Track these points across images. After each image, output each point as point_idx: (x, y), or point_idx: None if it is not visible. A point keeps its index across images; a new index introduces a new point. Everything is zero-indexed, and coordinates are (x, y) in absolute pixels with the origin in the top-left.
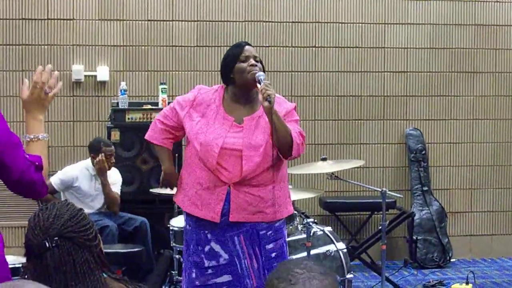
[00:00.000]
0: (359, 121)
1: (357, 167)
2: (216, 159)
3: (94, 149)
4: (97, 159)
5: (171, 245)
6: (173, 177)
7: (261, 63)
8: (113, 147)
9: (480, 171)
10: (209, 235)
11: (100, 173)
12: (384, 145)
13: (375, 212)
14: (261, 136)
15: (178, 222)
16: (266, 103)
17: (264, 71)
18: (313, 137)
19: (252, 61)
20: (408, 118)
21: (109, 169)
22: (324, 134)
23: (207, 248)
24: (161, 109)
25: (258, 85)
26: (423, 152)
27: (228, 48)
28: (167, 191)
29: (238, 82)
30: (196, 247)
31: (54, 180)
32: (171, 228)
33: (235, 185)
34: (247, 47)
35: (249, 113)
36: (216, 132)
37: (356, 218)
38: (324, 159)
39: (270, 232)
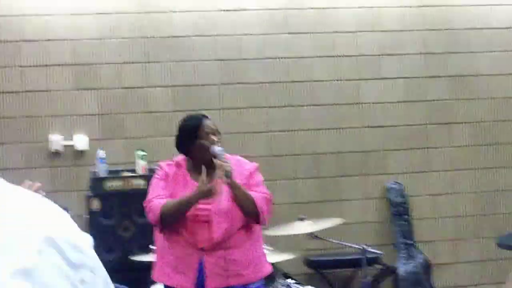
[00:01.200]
0: (339, 178)
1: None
2: (187, 225)
3: None
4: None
5: None
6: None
7: (218, 132)
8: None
9: (463, 221)
10: None
11: None
12: (366, 200)
13: (360, 268)
14: (229, 202)
15: None
16: (225, 179)
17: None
18: (294, 196)
19: (212, 138)
20: (388, 172)
21: None
22: (304, 192)
23: None
24: (141, 175)
25: (215, 160)
26: (405, 204)
27: (205, 111)
28: (149, 258)
29: (198, 158)
30: None
31: None
32: None
33: (208, 251)
34: (206, 122)
35: (212, 179)
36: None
37: (342, 275)
38: (301, 219)
39: None
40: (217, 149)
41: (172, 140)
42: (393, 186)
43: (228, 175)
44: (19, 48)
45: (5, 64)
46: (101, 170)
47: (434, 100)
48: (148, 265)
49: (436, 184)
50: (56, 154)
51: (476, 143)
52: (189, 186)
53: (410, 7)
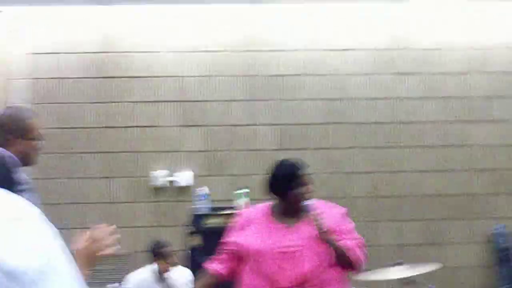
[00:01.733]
0: (444, 221)
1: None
2: (274, 261)
3: (151, 253)
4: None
5: None
6: None
7: (311, 182)
8: (169, 247)
9: None
10: None
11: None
12: (470, 244)
13: None
14: (316, 236)
15: None
16: (321, 234)
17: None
18: (396, 237)
19: (309, 188)
20: (495, 216)
21: (166, 270)
22: (407, 234)
23: None
24: None
25: (310, 214)
26: (510, 251)
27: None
28: None
29: (290, 202)
30: None
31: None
32: None
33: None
34: (301, 171)
35: (297, 220)
36: (269, 237)
37: None
38: (399, 263)
39: None
40: (309, 203)
41: None
42: (500, 230)
43: (323, 231)
44: (128, 85)
45: (114, 99)
46: (203, 206)
47: None
48: None
49: None
50: (159, 189)
51: None
52: (270, 222)
53: None
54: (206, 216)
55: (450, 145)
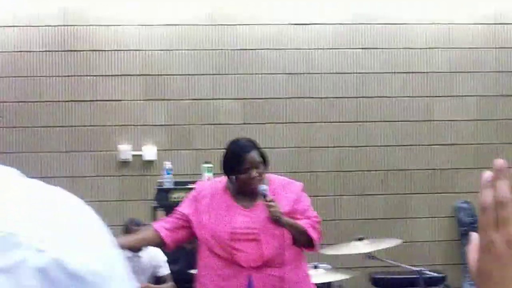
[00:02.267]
0: (407, 195)
1: (406, 242)
2: (229, 244)
3: (126, 228)
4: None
5: None
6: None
7: (264, 160)
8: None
9: None
10: None
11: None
12: (433, 219)
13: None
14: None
15: None
16: (275, 221)
17: (266, 163)
18: (360, 212)
19: (252, 174)
20: (458, 191)
21: (138, 249)
22: (371, 209)
23: None
24: None
25: (262, 199)
26: (474, 224)
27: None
28: None
29: (240, 187)
30: None
31: None
32: None
33: (257, 269)
34: (249, 156)
35: (255, 201)
36: (223, 219)
37: None
38: (360, 239)
39: None
40: (261, 188)
41: None
42: (463, 205)
43: (277, 218)
44: (90, 58)
45: (77, 73)
46: (167, 181)
47: (507, 119)
48: None
49: None
50: (124, 163)
51: None
52: (225, 202)
53: (484, 24)
54: (170, 190)
55: (414, 120)
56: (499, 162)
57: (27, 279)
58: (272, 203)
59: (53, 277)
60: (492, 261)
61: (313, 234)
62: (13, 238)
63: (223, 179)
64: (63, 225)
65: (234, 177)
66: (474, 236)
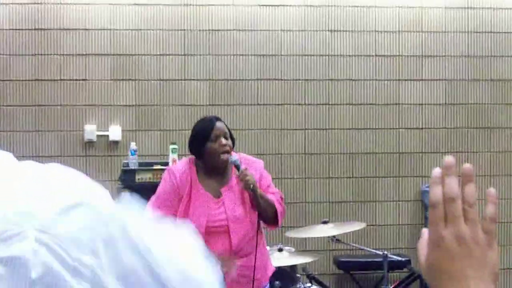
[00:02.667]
0: (374, 179)
1: (372, 225)
2: (204, 237)
3: None
4: None
5: None
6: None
7: (231, 137)
8: None
9: (504, 227)
10: None
11: None
12: (400, 202)
13: (391, 271)
14: (242, 207)
15: None
16: (249, 191)
17: (233, 143)
18: (326, 195)
19: (222, 141)
20: (424, 175)
21: None
22: (337, 192)
23: None
24: None
25: (236, 171)
26: None
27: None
28: None
29: (209, 162)
30: None
31: None
32: None
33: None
34: (217, 124)
35: (223, 184)
36: (198, 212)
37: (372, 277)
38: (325, 222)
39: None
40: (233, 159)
41: None
42: (429, 189)
43: (253, 189)
44: (58, 37)
45: (44, 52)
46: (132, 162)
47: (475, 104)
48: None
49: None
50: (90, 143)
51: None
52: (198, 191)
53: (454, 8)
54: (135, 171)
55: (381, 104)
56: (448, 159)
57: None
58: (246, 172)
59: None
60: (442, 256)
61: (279, 207)
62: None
63: (190, 163)
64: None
65: (199, 153)
66: (424, 232)
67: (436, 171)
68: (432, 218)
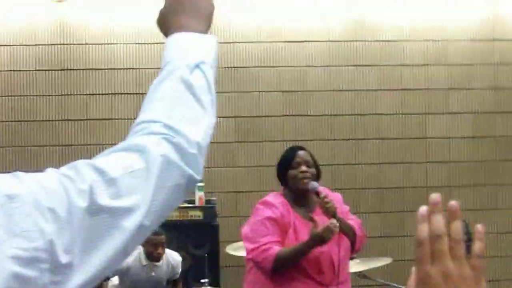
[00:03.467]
0: (401, 213)
1: (399, 260)
2: (312, 266)
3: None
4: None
5: None
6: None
7: (316, 166)
8: (163, 236)
9: None
10: None
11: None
12: None
13: None
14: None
15: None
16: (332, 220)
17: (319, 174)
18: None
19: (302, 168)
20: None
21: (157, 260)
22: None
23: None
24: (199, 207)
25: (315, 197)
26: (469, 242)
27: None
28: None
29: (292, 187)
30: None
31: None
32: None
33: (335, 286)
34: (299, 152)
35: (312, 210)
36: (303, 238)
37: None
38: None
39: None
40: (313, 186)
41: (232, 171)
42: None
43: (333, 214)
44: (84, 76)
45: (70, 92)
46: None
47: (502, 136)
48: None
49: (502, 222)
50: None
51: None
52: (297, 220)
53: (479, 40)
54: None
55: (408, 138)
56: (434, 197)
57: None
58: (327, 199)
59: None
60: None
61: (360, 232)
62: None
63: (280, 196)
64: None
65: (283, 179)
66: (413, 270)
67: (422, 209)
68: (419, 256)
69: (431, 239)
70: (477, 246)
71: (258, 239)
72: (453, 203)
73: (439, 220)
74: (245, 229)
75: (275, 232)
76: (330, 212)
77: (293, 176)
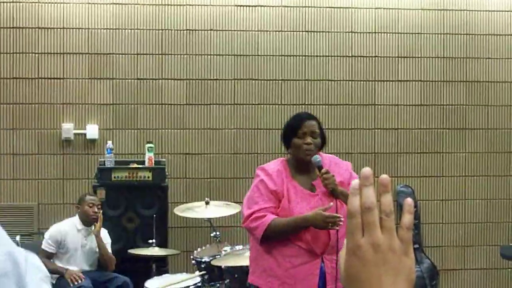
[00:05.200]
0: None
1: None
2: (310, 232)
3: (79, 200)
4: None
5: None
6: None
7: (322, 136)
8: (97, 198)
9: (473, 228)
10: None
11: (95, 232)
12: None
13: None
14: (334, 201)
15: (153, 283)
16: (331, 191)
17: (324, 142)
18: None
19: (307, 140)
20: (399, 175)
21: (94, 221)
22: None
23: None
24: (148, 168)
25: (317, 172)
26: (414, 209)
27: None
28: (147, 251)
29: (294, 156)
30: None
31: (45, 244)
32: None
33: (327, 255)
34: (307, 122)
35: (314, 179)
36: (300, 207)
37: None
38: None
39: None
40: (316, 159)
41: (182, 133)
42: (403, 189)
43: (332, 190)
44: (35, 35)
45: (21, 50)
46: (109, 160)
47: (449, 105)
48: (149, 258)
49: (447, 189)
50: (67, 142)
51: (490, 150)
52: (295, 187)
53: (430, 10)
54: (111, 170)
55: (356, 104)
56: (365, 170)
57: None
58: (326, 175)
59: None
60: (359, 264)
61: None
62: None
63: (282, 162)
64: None
65: (287, 144)
66: (345, 241)
67: (354, 182)
68: (350, 228)
69: (362, 212)
70: (406, 218)
71: (252, 206)
72: (384, 176)
73: (370, 193)
74: (249, 193)
75: (269, 198)
76: (329, 189)
77: (297, 146)
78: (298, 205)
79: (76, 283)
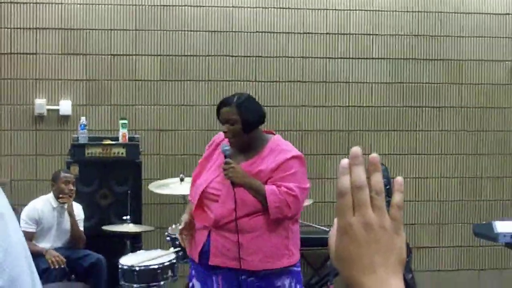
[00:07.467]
0: (324, 156)
1: (319, 202)
2: (197, 202)
3: (53, 177)
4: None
5: (120, 283)
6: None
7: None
8: (72, 175)
9: (447, 206)
10: (193, 272)
11: (69, 209)
12: None
13: None
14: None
15: (128, 260)
16: (231, 182)
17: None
18: None
19: (224, 128)
20: (370, 153)
21: (70, 196)
22: None
23: (190, 284)
24: (122, 144)
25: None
26: (388, 187)
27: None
28: (121, 228)
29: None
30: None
31: (24, 225)
32: (120, 266)
33: (215, 229)
34: (222, 109)
35: (247, 159)
36: (206, 177)
37: (321, 253)
38: None
39: (252, 278)
40: (223, 148)
41: (156, 109)
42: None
43: (231, 181)
44: (7, 10)
45: None
46: (82, 136)
47: (423, 83)
48: (123, 235)
49: (421, 167)
50: (40, 117)
51: (463, 128)
52: (220, 160)
53: None
54: (85, 146)
55: (330, 81)
56: (355, 149)
57: None
58: (225, 166)
59: None
60: (350, 243)
61: (270, 198)
62: None
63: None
64: None
65: None
66: (335, 220)
67: (344, 161)
68: (340, 207)
69: (353, 190)
70: (397, 197)
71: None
72: (373, 155)
73: (360, 172)
74: None
75: (200, 166)
76: (227, 178)
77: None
78: (207, 173)
79: (57, 266)
